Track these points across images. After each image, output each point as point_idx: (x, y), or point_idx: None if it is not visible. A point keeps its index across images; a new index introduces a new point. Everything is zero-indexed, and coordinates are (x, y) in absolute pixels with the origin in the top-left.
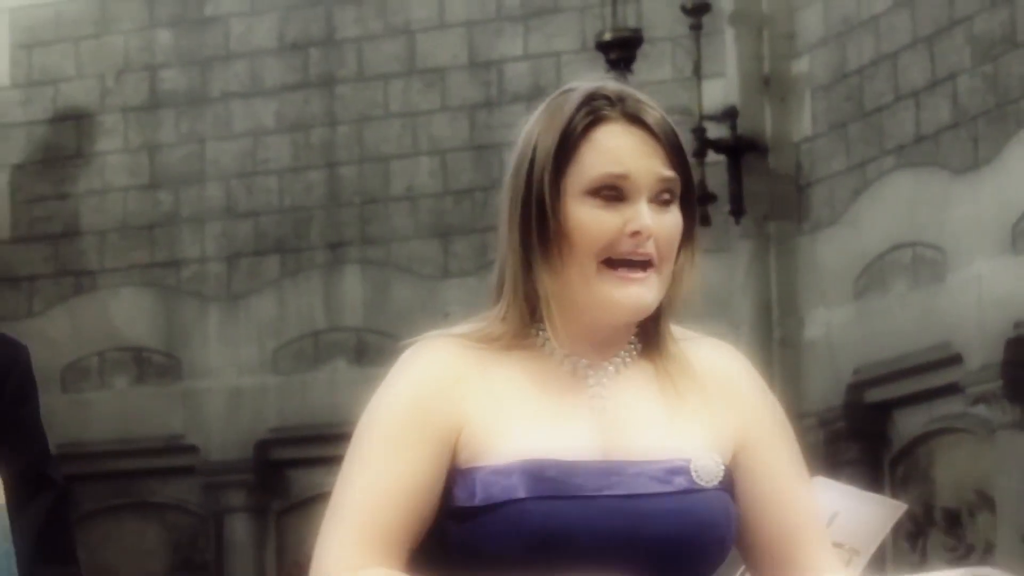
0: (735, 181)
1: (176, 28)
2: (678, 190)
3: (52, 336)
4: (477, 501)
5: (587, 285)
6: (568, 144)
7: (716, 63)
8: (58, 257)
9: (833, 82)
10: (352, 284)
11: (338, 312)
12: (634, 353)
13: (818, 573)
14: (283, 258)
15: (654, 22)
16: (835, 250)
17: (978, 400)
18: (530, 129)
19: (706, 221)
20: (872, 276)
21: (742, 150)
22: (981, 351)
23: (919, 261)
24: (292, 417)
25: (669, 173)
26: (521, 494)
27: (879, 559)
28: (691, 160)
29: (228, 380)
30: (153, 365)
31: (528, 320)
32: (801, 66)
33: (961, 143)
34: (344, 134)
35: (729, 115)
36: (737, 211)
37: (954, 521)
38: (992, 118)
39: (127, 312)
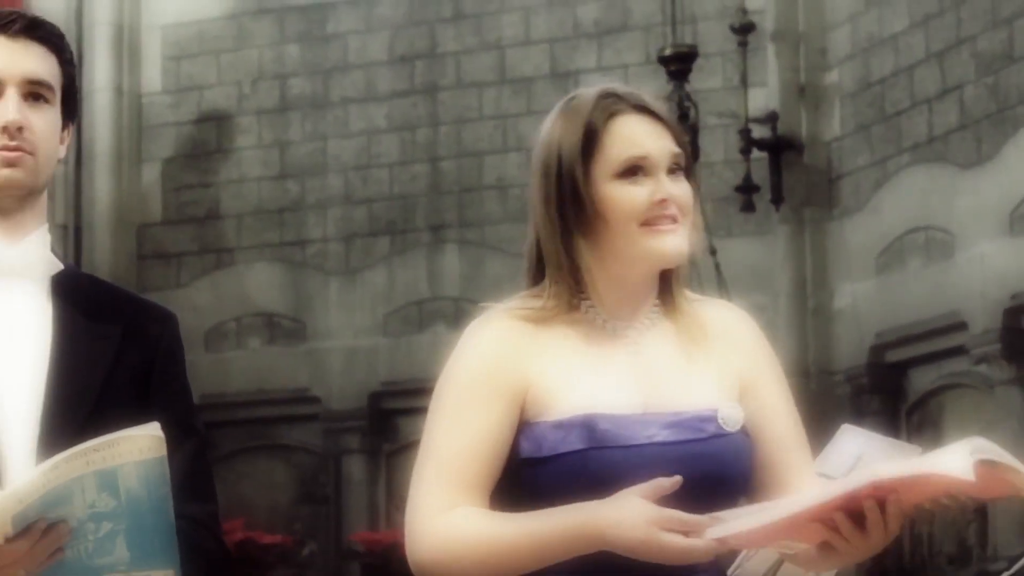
0: (775, 174)
1: (302, 43)
2: (683, 162)
3: (197, 304)
4: (543, 452)
5: (634, 245)
6: (591, 138)
7: (760, 74)
8: (202, 237)
9: (858, 91)
10: (451, 260)
11: (439, 284)
12: (658, 315)
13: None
14: (392, 238)
15: (707, 39)
16: (860, 233)
17: (980, 360)
18: (549, 134)
19: (751, 208)
20: (891, 255)
21: (781, 148)
22: (983, 318)
23: (931, 242)
24: (400, 372)
25: (677, 149)
26: (579, 446)
27: None
28: (738, 157)
29: (346, 341)
30: (282, 328)
31: (573, 293)
32: (832, 77)
33: (966, 143)
34: (444, 133)
35: (770, 118)
36: (777, 200)
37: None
38: (993, 121)
39: (260, 283)
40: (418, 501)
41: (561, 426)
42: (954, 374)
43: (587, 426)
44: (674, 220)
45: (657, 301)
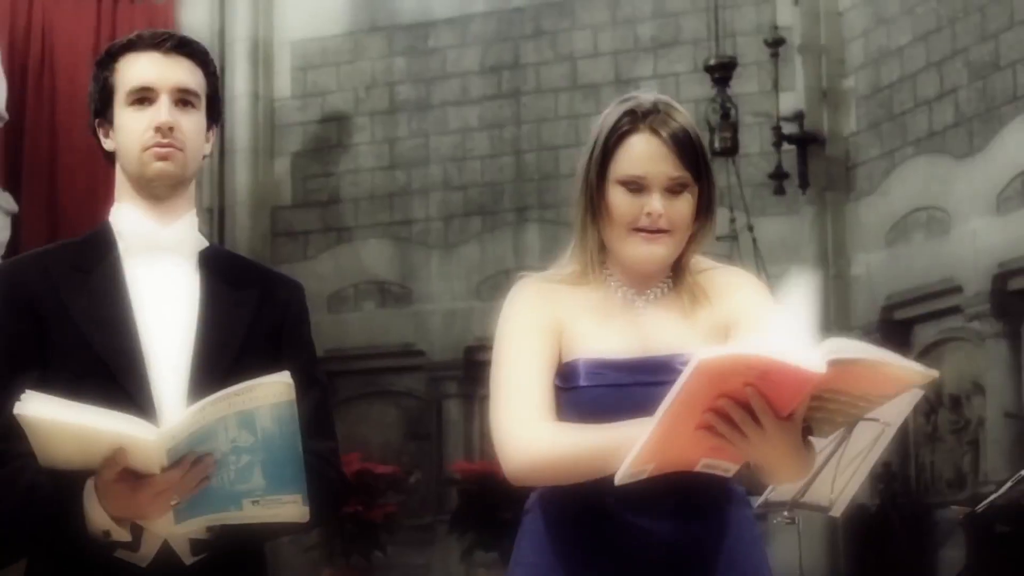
0: (802, 164)
1: (408, 56)
2: (689, 181)
3: (321, 273)
4: (559, 383)
5: (622, 244)
6: (608, 147)
7: (789, 80)
8: (325, 218)
9: (871, 94)
10: (532, 236)
11: (522, 256)
12: (667, 287)
13: None
14: (484, 219)
15: (745, 52)
16: (872, 212)
17: (973, 318)
18: (595, 129)
19: (782, 192)
20: (898, 231)
21: (807, 142)
22: (975, 283)
23: (931, 220)
24: (490, 330)
25: (676, 172)
26: (582, 383)
27: (903, 428)
28: (771, 149)
29: (445, 304)
30: (392, 294)
31: (590, 263)
32: (848, 83)
33: (960, 137)
34: (527, 131)
35: (798, 117)
36: (804, 185)
37: (956, 403)
38: (983, 120)
39: (373, 256)
40: (505, 424)
41: (572, 366)
42: (951, 329)
43: (588, 368)
44: (660, 232)
45: (670, 274)
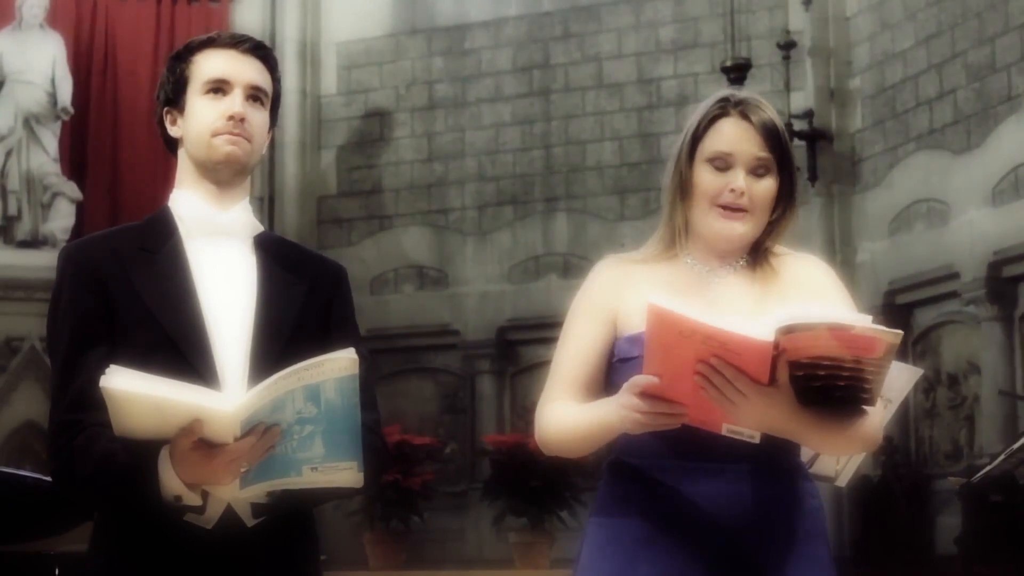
0: (812, 158)
1: (446, 56)
2: (772, 166)
3: (363, 258)
4: (616, 355)
5: (703, 218)
6: (700, 128)
7: (799, 81)
8: (368, 206)
9: (876, 94)
10: (560, 225)
11: (551, 243)
12: (741, 266)
13: None
14: (515, 208)
15: (759, 54)
16: (876, 204)
17: (969, 302)
18: (690, 118)
19: None
20: (901, 221)
21: (816, 138)
22: (971, 269)
23: (931, 211)
24: (520, 312)
25: (762, 154)
26: (635, 353)
27: (904, 405)
28: None
29: (479, 287)
30: (430, 277)
31: (673, 242)
32: (855, 83)
33: (959, 134)
34: (556, 126)
35: (808, 115)
36: (813, 178)
37: (954, 381)
38: (979, 118)
39: (413, 242)
40: (542, 397)
41: (628, 339)
42: (949, 313)
43: (641, 340)
44: (743, 210)
45: (746, 256)
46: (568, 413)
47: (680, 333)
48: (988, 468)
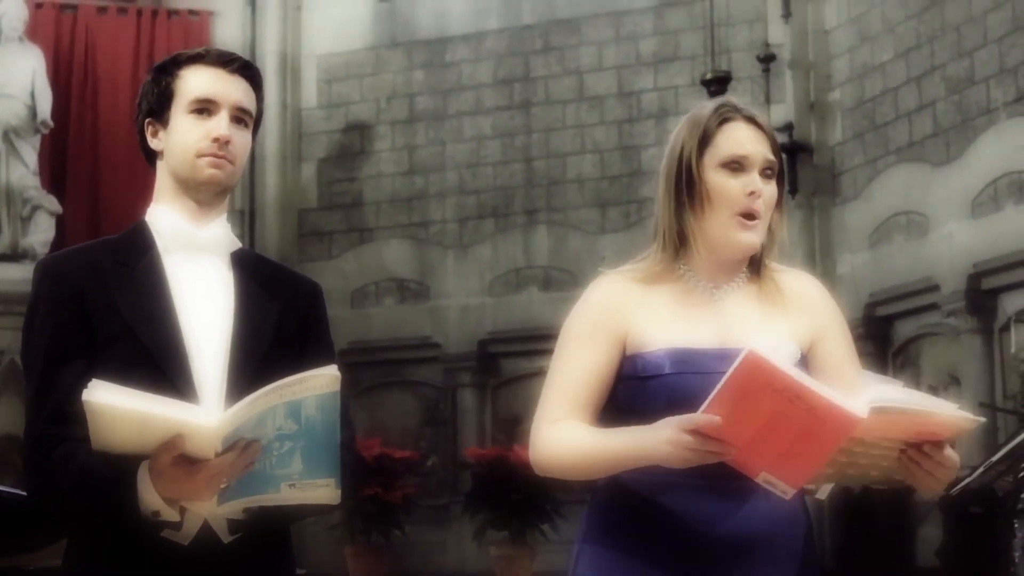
0: (792, 171)
1: (426, 69)
2: (777, 171)
3: (345, 271)
4: (642, 372)
5: (722, 230)
6: (707, 134)
7: (779, 93)
8: (348, 219)
9: (855, 107)
10: (541, 237)
11: (532, 256)
12: (744, 280)
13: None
14: (496, 220)
15: (739, 67)
16: (856, 216)
17: (949, 314)
18: (676, 134)
19: None
20: (880, 233)
21: (796, 151)
22: (951, 282)
23: (911, 223)
24: (501, 324)
25: (772, 157)
26: (667, 370)
27: None
28: None
29: (460, 300)
30: (410, 290)
31: (674, 258)
32: (834, 96)
33: (938, 147)
34: (536, 139)
35: (788, 128)
36: (793, 191)
37: (934, 393)
38: (958, 131)
39: (393, 255)
40: (539, 415)
41: (655, 355)
42: (929, 325)
43: (672, 356)
44: (757, 216)
45: (746, 270)
46: (577, 436)
47: (770, 385)
48: (968, 480)
